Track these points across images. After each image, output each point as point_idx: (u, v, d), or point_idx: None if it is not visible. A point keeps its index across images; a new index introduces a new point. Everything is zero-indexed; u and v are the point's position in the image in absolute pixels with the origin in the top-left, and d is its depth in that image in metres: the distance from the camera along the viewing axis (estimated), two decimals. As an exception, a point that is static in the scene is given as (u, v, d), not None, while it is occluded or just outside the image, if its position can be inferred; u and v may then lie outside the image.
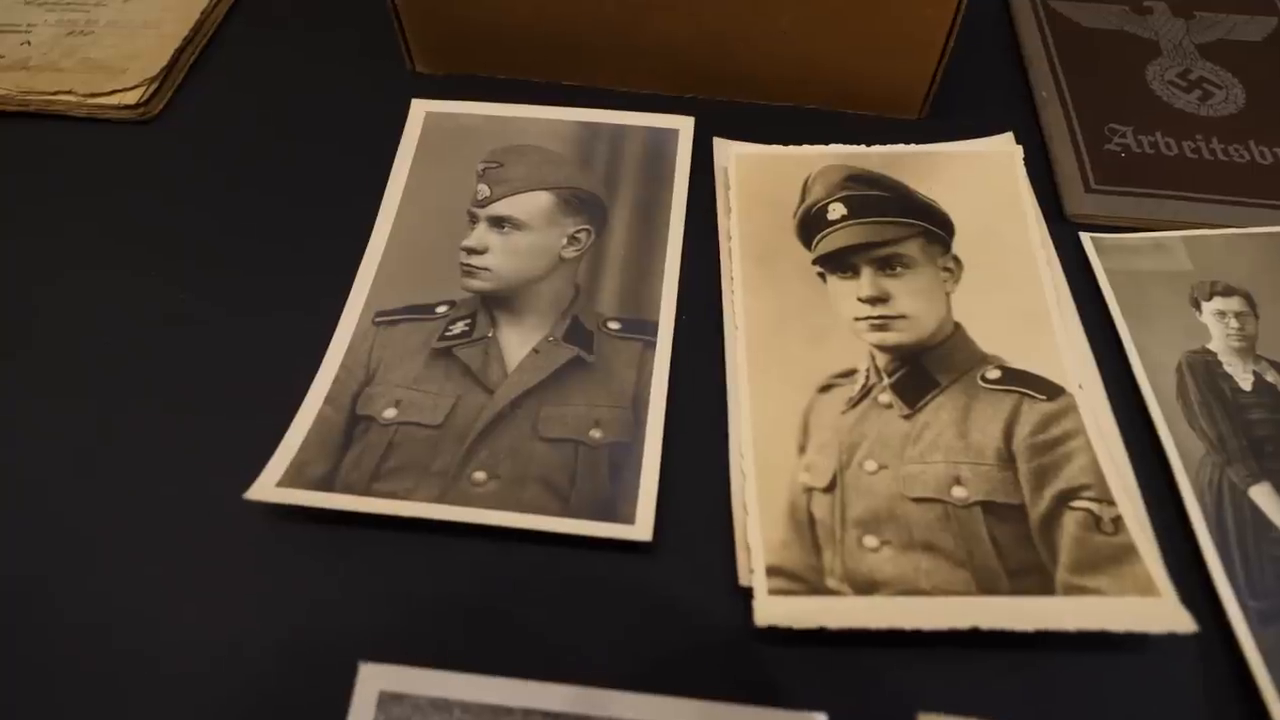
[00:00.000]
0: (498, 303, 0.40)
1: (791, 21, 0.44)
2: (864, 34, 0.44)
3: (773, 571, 0.31)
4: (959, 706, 0.29)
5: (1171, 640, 0.31)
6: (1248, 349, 0.40)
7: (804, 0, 0.43)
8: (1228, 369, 0.39)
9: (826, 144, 0.45)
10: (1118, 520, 0.33)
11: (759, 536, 0.32)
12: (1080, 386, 0.37)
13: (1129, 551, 0.32)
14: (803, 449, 0.35)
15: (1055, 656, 0.31)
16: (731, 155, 0.44)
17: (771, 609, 0.30)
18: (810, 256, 0.41)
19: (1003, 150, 0.45)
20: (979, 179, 0.44)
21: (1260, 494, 0.36)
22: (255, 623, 0.32)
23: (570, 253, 0.42)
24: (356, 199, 0.44)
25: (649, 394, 0.37)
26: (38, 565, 0.33)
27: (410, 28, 0.49)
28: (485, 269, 0.42)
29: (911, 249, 0.41)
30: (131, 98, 0.48)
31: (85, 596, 0.32)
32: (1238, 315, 0.41)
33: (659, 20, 0.46)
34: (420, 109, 0.47)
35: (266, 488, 0.33)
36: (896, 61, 0.45)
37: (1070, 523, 0.33)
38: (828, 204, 0.42)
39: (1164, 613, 0.30)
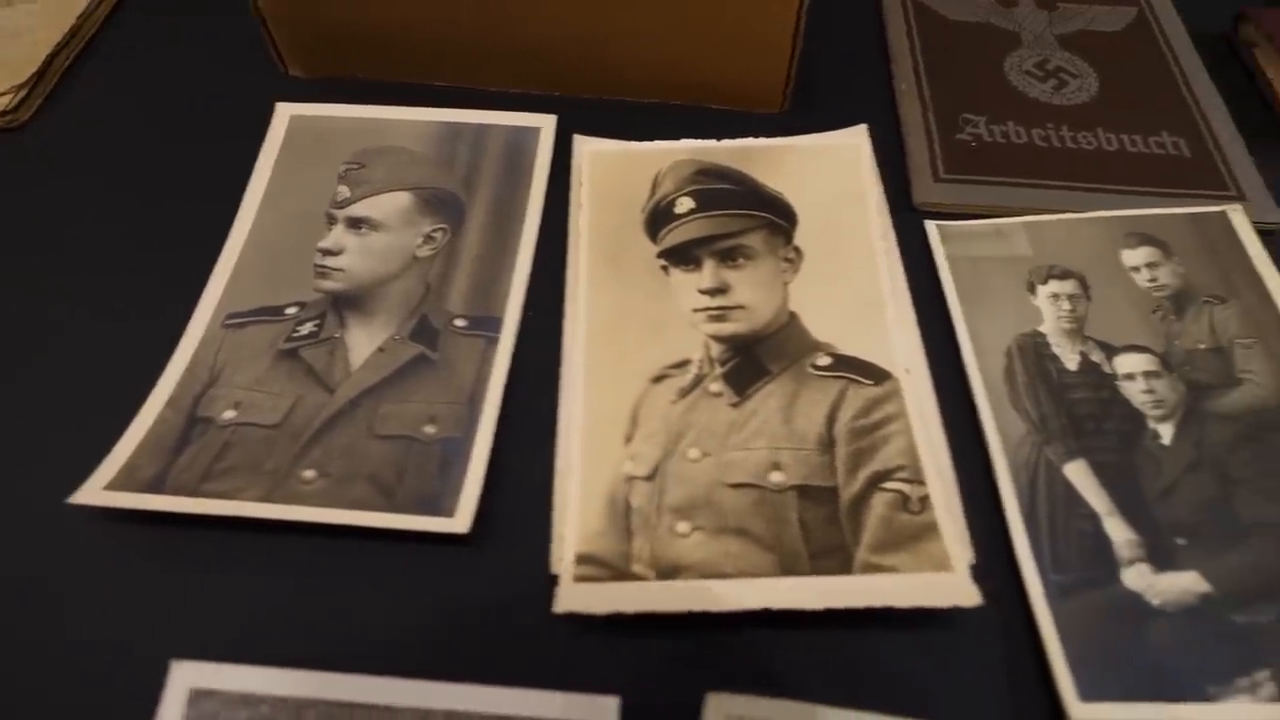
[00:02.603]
0: (348, 303, 0.41)
1: (647, 20, 0.45)
2: (715, 31, 0.45)
3: (582, 559, 0.32)
4: (755, 686, 0.30)
5: (976, 615, 0.32)
6: (1076, 330, 0.41)
7: (657, 0, 0.45)
8: (1055, 350, 0.41)
9: (686, 139, 0.46)
10: (925, 500, 0.34)
11: (573, 526, 0.33)
12: (907, 371, 0.38)
13: (930, 529, 0.33)
14: (630, 439, 0.36)
15: (859, 634, 0.32)
16: (585, 153, 0.45)
17: (573, 596, 0.31)
18: (656, 250, 0.42)
19: (850, 142, 0.46)
20: (825, 171, 0.45)
21: (1074, 470, 0.37)
22: (74, 624, 0.32)
23: (425, 252, 0.43)
24: (219, 203, 0.45)
25: (487, 390, 0.38)
26: None
27: (276, 32, 0.49)
28: (339, 269, 0.42)
29: (755, 240, 0.42)
30: (-1, 105, 0.49)
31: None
32: (1070, 298, 0.42)
33: (520, 21, 0.46)
34: (285, 112, 0.48)
35: (93, 491, 0.33)
36: (750, 57, 0.46)
37: (880, 503, 0.34)
38: (676, 198, 0.43)
39: (953, 588, 0.31)
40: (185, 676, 0.30)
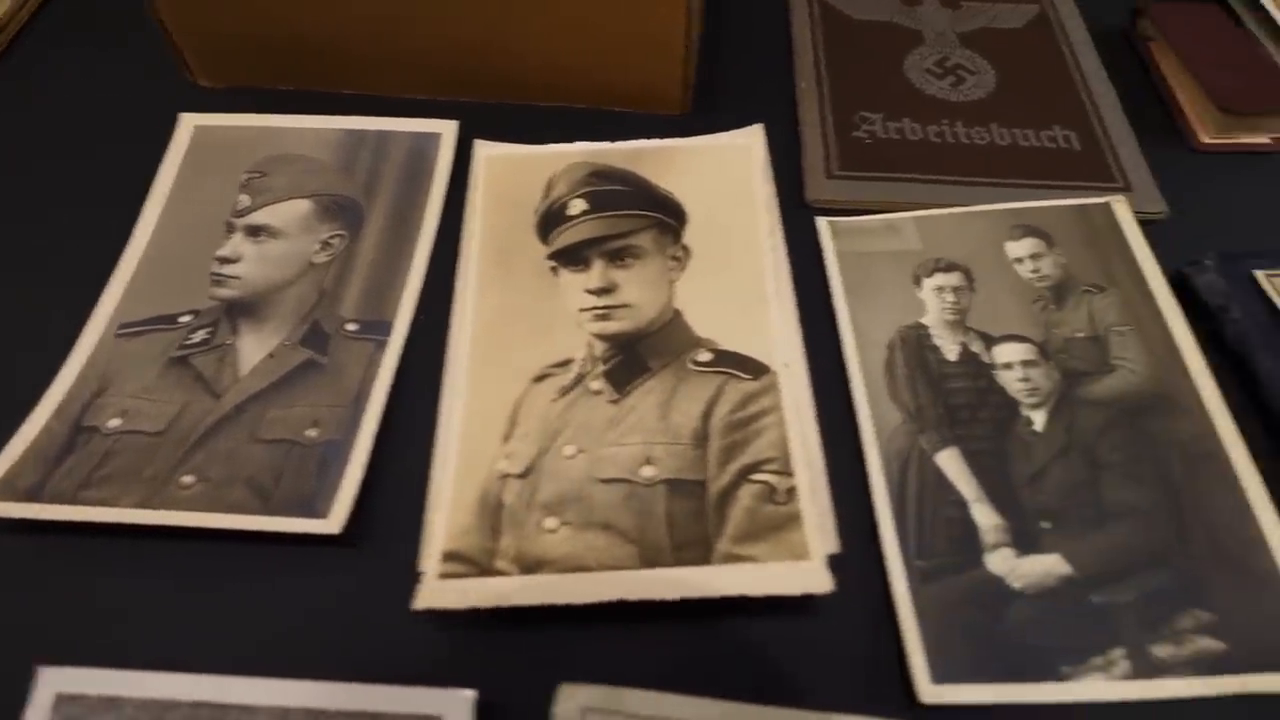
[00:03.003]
0: (242, 310, 0.41)
1: (541, 25, 0.46)
2: (608, 35, 0.46)
3: (447, 557, 0.33)
4: (616, 678, 0.31)
5: (840, 603, 0.33)
6: (959, 322, 0.42)
7: (551, 4, 0.45)
8: (937, 341, 0.41)
9: (581, 142, 0.47)
10: (791, 491, 0.35)
11: (443, 524, 0.34)
12: (786, 365, 0.39)
13: (793, 520, 0.34)
14: (508, 437, 0.37)
15: (723, 624, 0.33)
16: (480, 156, 0.46)
17: (433, 593, 0.31)
18: (546, 252, 0.43)
19: (741, 142, 0.47)
20: (716, 170, 0.45)
21: (946, 459, 0.38)
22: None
23: (321, 258, 0.43)
24: (120, 213, 0.45)
25: (371, 393, 0.38)
26: None
27: (180, 42, 0.49)
28: (235, 277, 0.43)
29: (644, 240, 0.42)
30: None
31: None
32: (955, 290, 0.43)
33: (420, 28, 0.47)
34: (189, 122, 0.48)
35: (-28, 499, 0.34)
36: (645, 60, 0.47)
37: (746, 495, 0.35)
38: (569, 200, 0.44)
39: (808, 576, 0.32)
40: (51, 681, 0.30)
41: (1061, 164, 0.47)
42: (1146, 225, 0.45)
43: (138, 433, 0.37)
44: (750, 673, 0.32)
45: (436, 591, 0.31)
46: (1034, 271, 0.43)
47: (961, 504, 0.36)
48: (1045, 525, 0.36)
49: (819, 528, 0.33)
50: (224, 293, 0.42)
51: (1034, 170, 0.47)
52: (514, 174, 0.45)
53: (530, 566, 0.32)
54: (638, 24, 0.44)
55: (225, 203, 0.45)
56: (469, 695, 0.30)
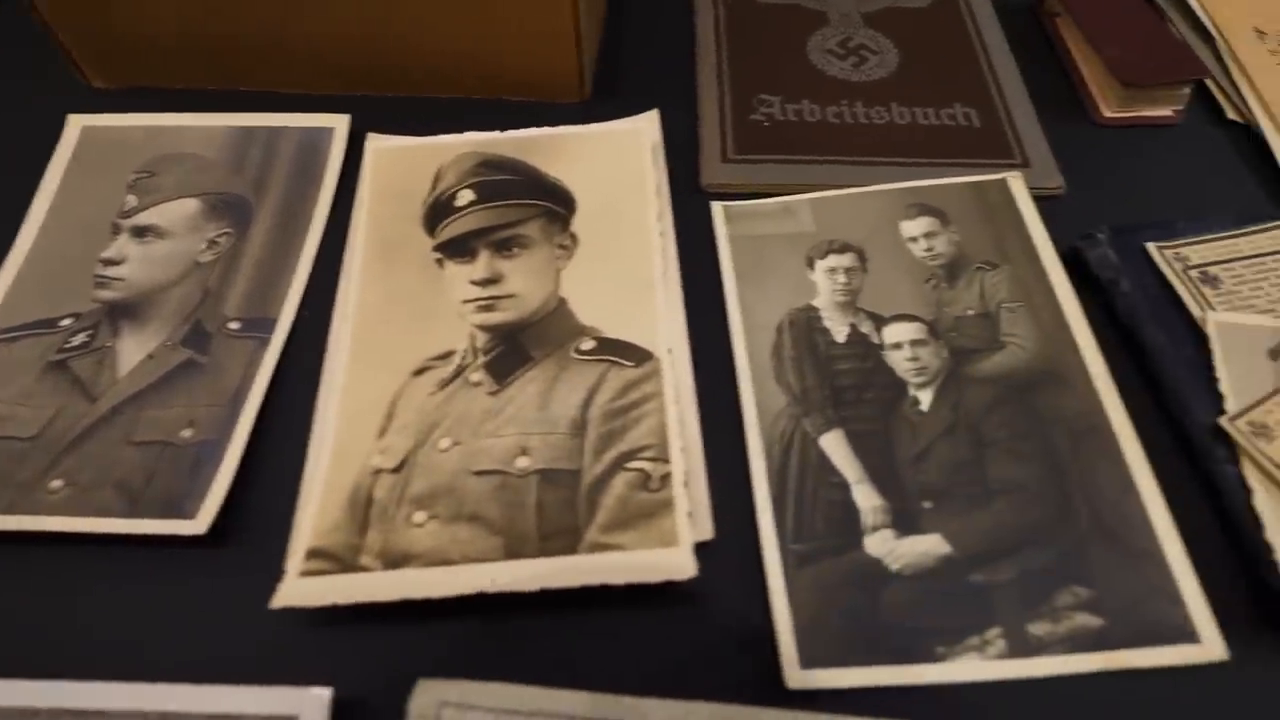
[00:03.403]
0: (124, 312, 0.41)
1: (430, 15, 0.45)
2: (498, 24, 0.45)
3: (311, 554, 0.32)
4: (476, 672, 0.30)
5: (716, 590, 0.33)
6: (849, 303, 0.42)
7: (437, -7, 0.45)
8: (827, 323, 0.41)
9: (471, 132, 0.46)
10: (666, 477, 0.34)
11: (310, 521, 0.33)
12: (670, 351, 0.38)
13: (665, 506, 0.33)
14: (384, 432, 0.36)
15: (595, 614, 0.32)
16: (370, 149, 0.45)
17: (293, 592, 0.31)
18: (432, 244, 0.42)
19: (633, 128, 0.46)
20: (607, 158, 0.45)
21: (829, 441, 0.37)
22: None
23: (207, 257, 0.43)
24: (5, 218, 0.44)
25: (249, 391, 0.38)
26: None
27: (68, 44, 0.48)
28: (119, 279, 0.42)
29: (532, 229, 0.42)
30: None
31: None
32: (847, 271, 0.43)
33: (310, 22, 0.46)
34: (76, 123, 0.47)
35: None
36: (538, 48, 0.46)
37: (620, 483, 0.34)
38: (457, 191, 0.43)
39: (672, 563, 0.31)
40: None
41: (961, 142, 0.47)
42: (1045, 201, 0.45)
43: (10, 439, 0.36)
44: (619, 663, 0.31)
45: (296, 590, 0.31)
46: (928, 250, 0.43)
47: (844, 486, 0.36)
48: (927, 505, 0.35)
49: (690, 514, 0.33)
50: (106, 295, 0.41)
51: (933, 149, 0.46)
52: (402, 166, 0.45)
53: (394, 562, 0.32)
54: (526, 11, 0.44)
55: (112, 204, 0.44)
56: (325, 693, 0.30)
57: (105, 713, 0.30)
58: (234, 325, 0.40)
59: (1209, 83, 0.51)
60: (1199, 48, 0.52)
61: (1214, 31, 0.53)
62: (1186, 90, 0.49)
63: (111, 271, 0.42)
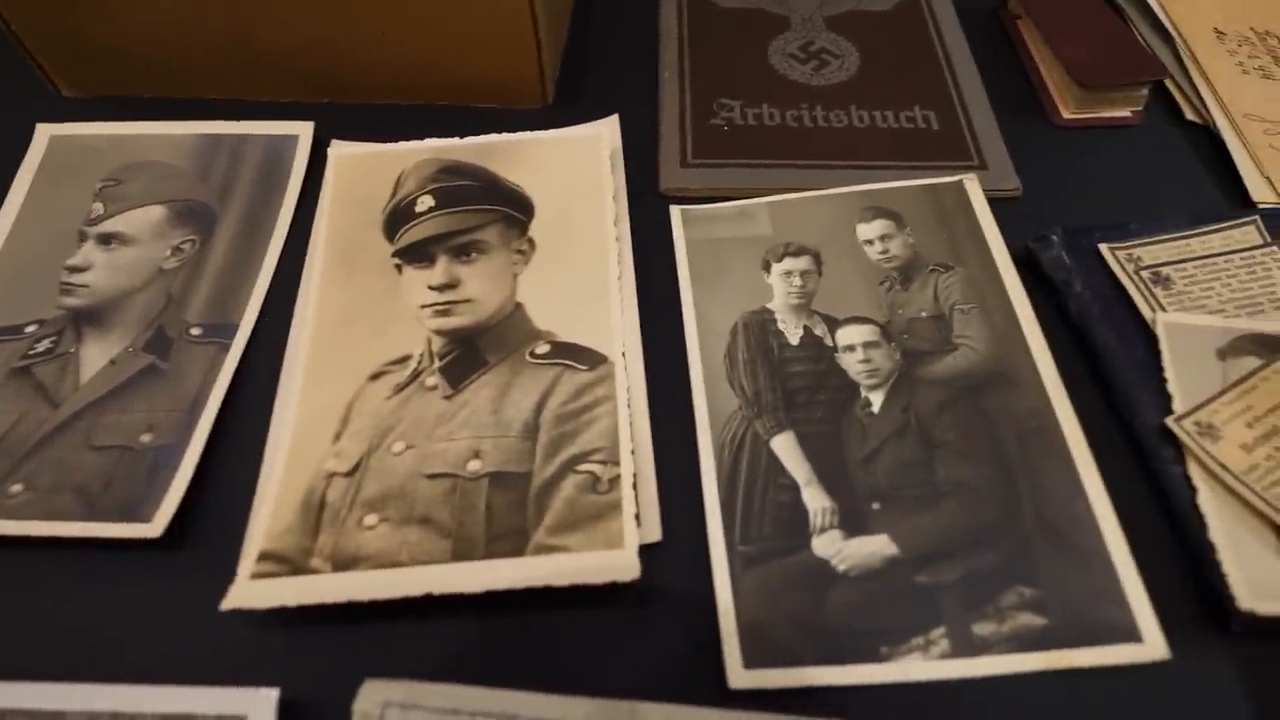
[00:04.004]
0: (89, 318, 0.41)
1: (388, 23, 0.46)
2: (457, 31, 0.45)
3: (263, 556, 0.33)
4: (422, 673, 0.30)
5: (663, 591, 0.33)
6: (804, 306, 0.42)
7: (395, 2, 0.45)
8: (780, 326, 0.41)
9: (432, 139, 0.46)
10: (615, 480, 0.35)
11: (262, 525, 0.34)
12: (624, 355, 0.39)
13: (613, 508, 0.34)
14: (339, 436, 0.37)
15: (540, 616, 0.33)
16: (332, 156, 0.46)
17: (242, 594, 0.31)
18: (391, 250, 0.43)
19: (592, 134, 0.47)
20: (566, 163, 0.45)
21: (780, 443, 0.38)
22: None
23: (171, 264, 0.43)
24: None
25: (209, 397, 0.38)
26: None
27: (35, 52, 0.49)
28: (84, 286, 0.42)
29: (490, 235, 0.43)
30: None
31: None
32: (803, 274, 0.43)
33: (273, 31, 0.47)
34: (45, 132, 0.48)
35: None
36: (498, 55, 0.46)
37: (570, 485, 0.35)
38: (417, 197, 0.44)
39: (617, 564, 0.32)
40: None
41: (919, 144, 0.47)
42: (1001, 203, 0.45)
43: (-29, 445, 0.37)
44: (564, 664, 0.32)
45: (246, 592, 0.31)
46: (883, 253, 0.43)
47: (793, 488, 0.36)
48: (875, 506, 0.36)
49: (637, 516, 0.33)
50: (71, 301, 0.42)
51: (891, 152, 0.47)
52: (363, 173, 0.45)
53: (344, 564, 0.32)
54: (484, 19, 0.44)
55: (79, 211, 0.45)
56: (272, 694, 0.30)
57: (60, 714, 0.30)
58: (195, 331, 0.41)
59: (1168, 83, 0.51)
60: (1159, 48, 0.53)
61: (1173, 32, 0.53)
62: (1145, 91, 0.49)
63: (77, 279, 0.43)
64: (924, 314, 0.41)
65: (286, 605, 0.31)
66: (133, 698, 0.30)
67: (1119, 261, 0.42)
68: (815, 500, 0.36)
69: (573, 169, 0.45)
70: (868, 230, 0.44)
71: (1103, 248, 0.42)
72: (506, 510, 0.34)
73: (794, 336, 0.41)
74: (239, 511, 0.36)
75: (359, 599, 0.31)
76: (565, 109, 0.50)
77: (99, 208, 0.46)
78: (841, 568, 0.35)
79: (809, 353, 0.40)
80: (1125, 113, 0.49)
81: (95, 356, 0.40)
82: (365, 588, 0.31)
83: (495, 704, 0.30)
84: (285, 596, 0.31)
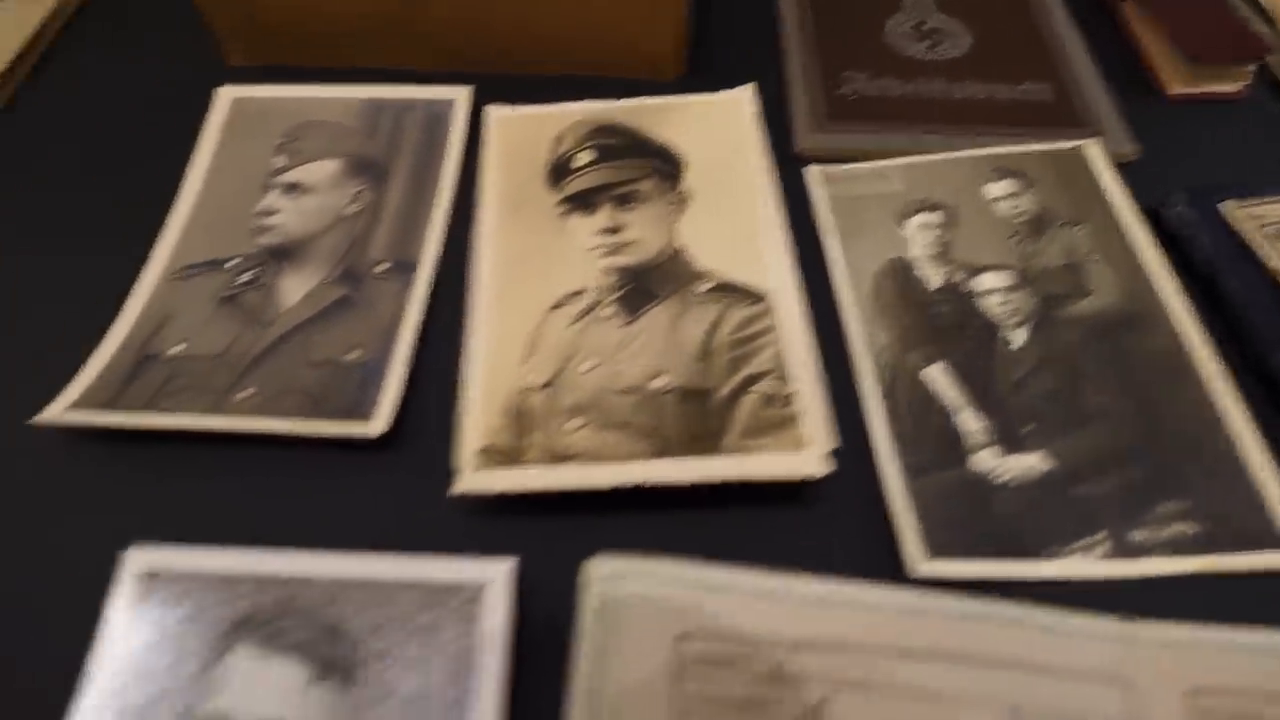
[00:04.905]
0: (283, 254, 0.45)
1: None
2: (604, 3, 0.49)
3: (482, 451, 0.36)
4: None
5: (835, 494, 0.36)
6: (942, 254, 0.45)
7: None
8: (919, 273, 0.44)
9: (590, 100, 0.50)
10: (790, 396, 0.38)
11: (475, 427, 0.37)
12: (781, 292, 0.42)
13: (792, 420, 0.37)
14: (528, 359, 0.40)
15: (727, 511, 0.36)
16: (492, 118, 0.50)
17: (471, 479, 0.35)
18: (556, 199, 0.46)
19: (734, 98, 0.50)
20: (712, 123, 0.49)
21: (932, 373, 0.41)
22: (36, 528, 0.36)
23: (351, 210, 0.47)
24: (169, 176, 0.49)
25: (402, 322, 0.42)
26: None
27: (217, 26, 0.54)
28: (275, 226, 0.46)
29: (646, 186, 0.46)
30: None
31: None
32: (938, 226, 0.46)
33: (435, 8, 0.51)
34: (227, 95, 0.52)
35: (55, 412, 0.37)
36: (643, 27, 0.50)
37: (749, 401, 0.38)
38: (576, 153, 0.47)
39: (806, 463, 0.35)
40: (136, 560, 0.33)
41: (1037, 114, 0.50)
42: (1119, 167, 0.48)
43: (197, 357, 0.40)
44: (752, 549, 0.34)
45: (473, 479, 0.35)
46: (1014, 208, 0.46)
47: (947, 413, 0.39)
48: (1028, 428, 0.39)
49: (817, 425, 0.36)
50: (266, 240, 0.46)
51: (1012, 120, 0.50)
52: (522, 132, 0.49)
53: (557, 458, 0.35)
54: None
55: (262, 164, 0.49)
56: (510, 563, 0.33)
57: (309, 579, 0.33)
58: (381, 267, 0.44)
59: (1270, 62, 0.54)
60: (1259, 27, 0.56)
61: (1273, 15, 0.56)
62: (1251, 68, 0.52)
63: (268, 220, 0.47)
64: (1056, 263, 0.44)
65: (509, 491, 0.34)
66: (378, 566, 0.33)
67: (1243, 219, 0.45)
68: (970, 423, 0.39)
69: (719, 128, 0.48)
70: (995, 189, 0.47)
71: (1228, 205, 0.45)
72: (696, 419, 0.37)
73: (934, 282, 0.44)
74: (438, 419, 0.39)
75: (574, 488, 0.34)
76: (695, 80, 0.53)
77: (281, 160, 0.49)
78: (1002, 479, 0.37)
79: (949, 296, 0.43)
80: (1233, 88, 0.52)
81: (292, 288, 0.44)
82: (580, 478, 0.34)
83: (726, 577, 0.32)
84: (510, 484, 0.34)
